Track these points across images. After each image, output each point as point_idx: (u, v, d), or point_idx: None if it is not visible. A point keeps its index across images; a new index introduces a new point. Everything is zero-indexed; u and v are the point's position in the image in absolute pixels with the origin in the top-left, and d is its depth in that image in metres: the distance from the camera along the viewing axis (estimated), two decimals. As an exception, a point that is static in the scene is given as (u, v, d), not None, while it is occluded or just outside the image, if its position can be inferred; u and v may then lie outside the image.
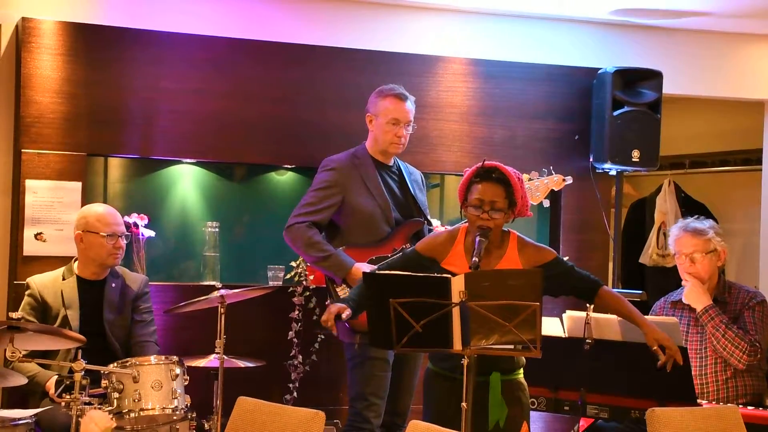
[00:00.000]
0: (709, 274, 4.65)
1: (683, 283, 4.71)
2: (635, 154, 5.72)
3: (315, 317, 5.17)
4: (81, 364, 3.75)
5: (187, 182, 5.53)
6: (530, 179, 4.68)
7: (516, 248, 3.80)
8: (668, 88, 5.86)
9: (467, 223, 3.83)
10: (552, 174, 4.75)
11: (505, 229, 3.82)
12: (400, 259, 3.93)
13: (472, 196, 3.72)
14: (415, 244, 4.51)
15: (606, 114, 5.69)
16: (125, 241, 4.62)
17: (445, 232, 3.95)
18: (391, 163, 4.76)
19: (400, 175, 4.75)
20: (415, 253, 3.91)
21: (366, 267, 4.41)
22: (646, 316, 3.90)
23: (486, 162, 3.75)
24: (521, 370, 3.84)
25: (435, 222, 4.96)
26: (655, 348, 3.75)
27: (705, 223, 4.72)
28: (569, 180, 4.80)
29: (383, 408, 4.52)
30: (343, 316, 3.66)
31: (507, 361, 3.72)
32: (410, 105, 4.70)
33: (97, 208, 4.63)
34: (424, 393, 3.91)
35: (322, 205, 4.58)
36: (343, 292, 4.48)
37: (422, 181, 4.88)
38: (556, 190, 4.80)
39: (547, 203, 4.79)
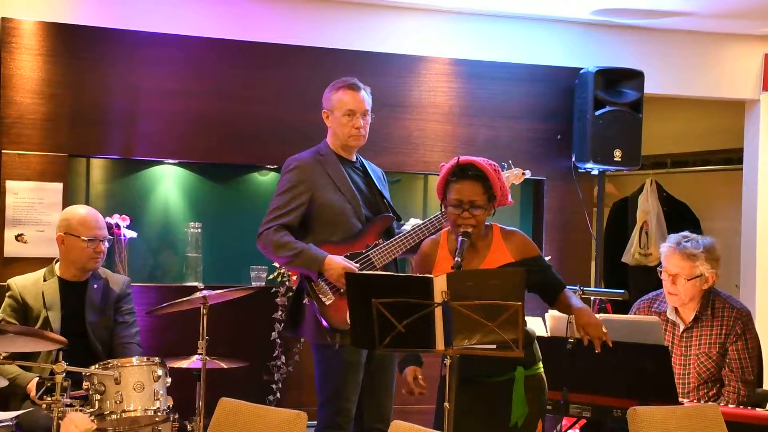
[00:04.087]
0: (691, 297, 4.52)
1: (666, 298, 4.60)
2: (617, 154, 5.74)
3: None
4: (62, 366, 3.73)
5: (169, 183, 5.52)
6: None
7: (501, 238, 3.78)
8: (650, 87, 5.89)
9: (448, 224, 3.82)
10: (512, 168, 4.72)
11: (488, 223, 3.81)
12: None
13: (450, 196, 3.70)
14: (386, 241, 4.49)
15: (588, 114, 5.71)
16: (107, 245, 4.59)
17: (427, 242, 3.93)
18: (354, 159, 4.66)
19: (365, 170, 4.65)
20: None
21: (339, 258, 4.36)
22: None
23: (461, 159, 3.73)
24: (541, 363, 3.78)
25: (417, 221, 4.94)
26: (581, 334, 3.64)
27: (699, 246, 4.52)
28: (528, 173, 4.76)
29: (353, 412, 4.44)
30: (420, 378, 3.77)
31: (527, 355, 3.64)
32: (364, 94, 4.53)
33: (80, 210, 4.60)
34: (439, 399, 3.78)
35: (290, 206, 4.43)
36: (317, 286, 4.42)
37: (383, 177, 4.78)
38: (516, 183, 4.78)
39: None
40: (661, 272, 4.59)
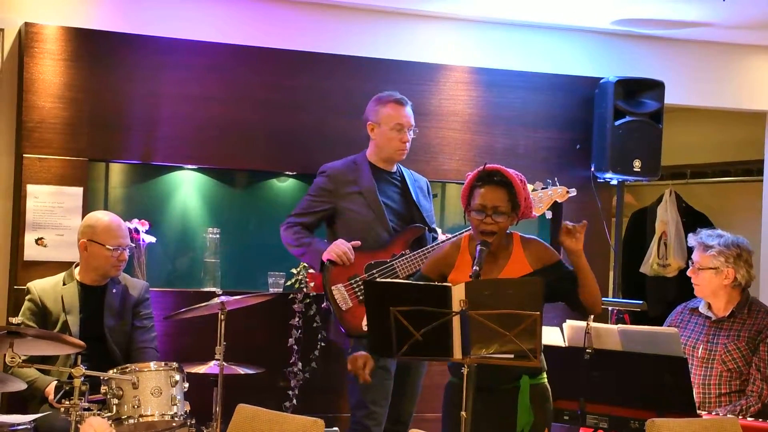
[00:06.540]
0: (713, 290, 4.58)
1: (695, 291, 4.68)
2: (637, 164, 5.72)
3: (315, 324, 5.18)
4: (80, 370, 3.75)
5: (188, 188, 5.53)
6: (533, 189, 4.64)
7: (521, 247, 3.78)
8: (670, 98, 5.86)
9: (470, 230, 3.81)
10: (556, 185, 4.73)
11: (508, 231, 3.81)
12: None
13: (474, 201, 3.70)
14: (415, 250, 4.52)
15: (608, 123, 5.69)
16: (129, 253, 4.62)
17: (447, 245, 3.93)
18: (394, 169, 4.75)
19: (403, 181, 4.74)
20: (422, 277, 3.89)
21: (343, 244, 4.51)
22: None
23: (487, 165, 3.74)
24: (545, 374, 3.79)
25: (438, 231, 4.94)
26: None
27: (717, 239, 4.59)
28: (573, 192, 4.78)
29: (384, 416, 4.50)
30: (367, 370, 3.73)
31: None
32: (410, 110, 4.75)
33: (105, 218, 4.60)
34: (445, 406, 3.81)
35: (311, 209, 4.69)
36: (337, 291, 4.46)
37: (427, 188, 4.89)
38: (559, 201, 4.79)
39: (549, 215, 4.78)
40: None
